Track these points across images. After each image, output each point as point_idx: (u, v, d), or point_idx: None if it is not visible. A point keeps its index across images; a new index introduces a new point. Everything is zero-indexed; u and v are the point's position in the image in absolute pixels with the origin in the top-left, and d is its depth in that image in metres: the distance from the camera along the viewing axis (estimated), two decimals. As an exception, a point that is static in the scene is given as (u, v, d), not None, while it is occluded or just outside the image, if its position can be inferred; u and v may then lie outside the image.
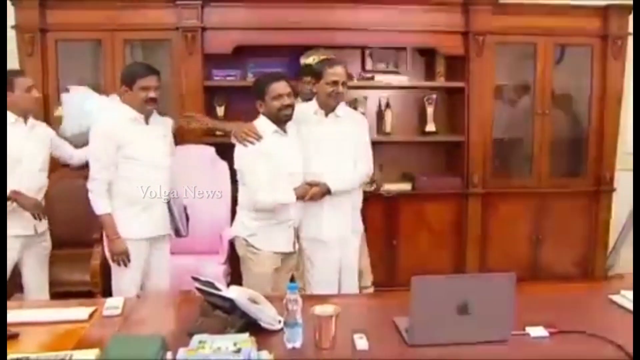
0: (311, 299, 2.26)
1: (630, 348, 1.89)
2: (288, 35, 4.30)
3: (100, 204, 3.05)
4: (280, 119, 3.01)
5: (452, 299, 1.93)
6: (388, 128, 4.60)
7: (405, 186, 4.55)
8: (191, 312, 2.19)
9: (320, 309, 1.98)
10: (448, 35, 4.42)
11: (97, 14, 4.14)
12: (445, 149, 4.76)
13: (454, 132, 4.64)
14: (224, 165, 4.14)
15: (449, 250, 4.59)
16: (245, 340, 1.83)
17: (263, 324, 2.07)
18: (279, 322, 2.07)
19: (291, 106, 3.01)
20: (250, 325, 2.04)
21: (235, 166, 3.08)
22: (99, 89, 4.07)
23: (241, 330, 1.99)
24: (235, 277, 3.79)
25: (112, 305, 2.34)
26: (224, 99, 4.48)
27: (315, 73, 3.24)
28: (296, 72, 4.05)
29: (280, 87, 2.99)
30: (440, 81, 4.61)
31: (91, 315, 2.25)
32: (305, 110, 3.22)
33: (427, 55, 4.65)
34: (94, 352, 1.85)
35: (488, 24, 4.38)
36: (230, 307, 2.07)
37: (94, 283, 3.76)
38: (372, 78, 4.54)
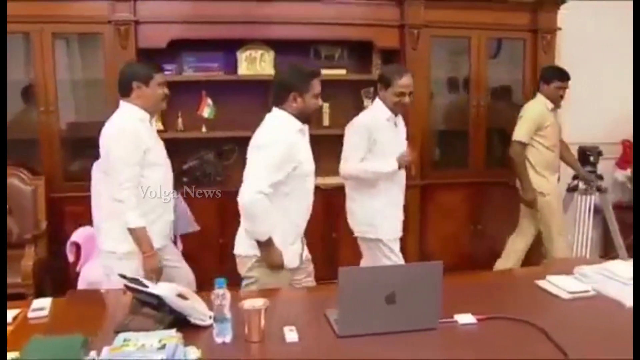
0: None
1: (553, 331, 1.95)
2: (225, 29, 4.26)
3: (134, 217, 2.76)
4: (309, 119, 2.83)
5: (380, 289, 1.95)
6: (326, 121, 4.61)
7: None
8: (121, 311, 2.15)
9: (249, 303, 1.97)
10: (384, 29, 4.46)
11: (25, 5, 3.96)
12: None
13: (392, 125, 4.67)
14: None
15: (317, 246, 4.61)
16: (171, 336, 1.81)
17: (193, 320, 2.05)
18: (210, 317, 2.05)
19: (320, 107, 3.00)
20: (181, 322, 2.02)
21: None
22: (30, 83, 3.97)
23: (170, 326, 1.96)
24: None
25: (38, 306, 2.28)
26: (160, 94, 4.39)
27: (385, 80, 3.33)
28: (232, 66, 4.02)
29: (320, 84, 2.78)
30: (377, 74, 4.62)
31: (15, 318, 2.18)
32: (378, 117, 3.31)
33: (364, 48, 4.66)
34: (11, 356, 1.79)
35: (423, 17, 4.44)
36: (159, 303, 2.04)
37: (26, 285, 3.67)
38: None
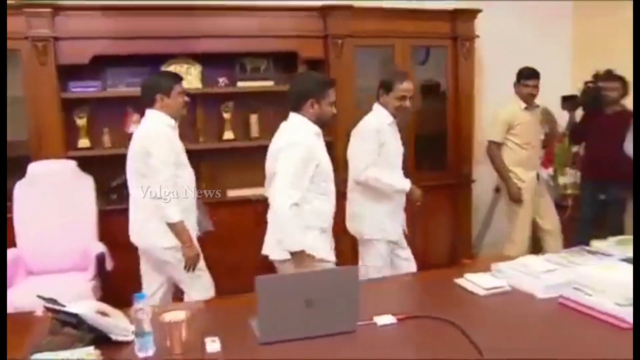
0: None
1: (469, 326, 2.02)
2: (149, 44, 4.24)
3: (174, 212, 3.08)
4: (323, 125, 3.01)
5: (298, 294, 1.98)
6: (254, 133, 4.63)
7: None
8: (41, 332, 2.11)
9: (170, 315, 1.97)
10: (309, 40, 4.53)
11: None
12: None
13: (321, 134, 4.74)
14: (88, 179, 4.03)
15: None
16: (89, 353, 1.80)
17: (114, 337, 2.03)
18: (132, 332, 2.04)
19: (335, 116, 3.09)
20: (102, 339, 2.00)
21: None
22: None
23: (91, 344, 1.94)
24: (107, 292, 3.71)
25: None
26: (85, 111, 4.33)
27: (386, 85, 3.49)
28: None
29: (335, 93, 2.99)
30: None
31: None
32: (382, 121, 3.47)
33: (289, 59, 4.70)
34: None
35: (346, 27, 4.53)
36: (78, 322, 2.01)
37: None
38: (235, 84, 4.56)
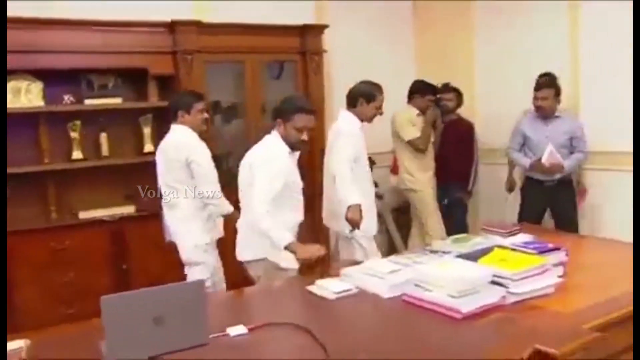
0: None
1: (318, 329, 2.09)
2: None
3: (227, 205, 3.74)
4: (292, 147, 3.17)
5: (146, 312, 1.95)
6: (105, 151, 4.49)
7: (129, 208, 4.48)
8: None
9: (10, 345, 1.88)
10: (158, 56, 4.48)
11: None
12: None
13: (173, 150, 4.68)
14: None
15: (181, 268, 4.59)
16: None
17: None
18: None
19: (307, 142, 3.21)
20: None
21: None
22: None
23: None
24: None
25: None
26: None
27: (368, 95, 3.85)
28: None
29: (307, 119, 3.11)
30: (154, 101, 4.63)
31: None
32: (356, 126, 3.83)
33: (139, 76, 4.61)
34: None
35: (195, 43, 4.52)
36: None
37: None
38: (82, 102, 4.40)
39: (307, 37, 4.99)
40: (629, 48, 4.53)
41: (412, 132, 4.79)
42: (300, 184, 3.26)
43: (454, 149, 4.99)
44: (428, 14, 6.12)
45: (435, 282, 2.28)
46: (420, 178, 4.87)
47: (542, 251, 2.55)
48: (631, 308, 2.17)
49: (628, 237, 3.39)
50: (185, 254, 3.74)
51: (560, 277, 2.52)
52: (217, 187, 3.62)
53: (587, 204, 4.73)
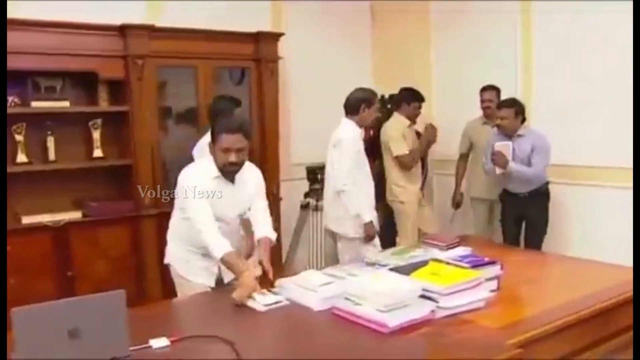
0: None
1: (242, 342, 2.05)
2: None
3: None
4: (224, 174, 2.93)
5: (61, 325, 1.89)
6: (52, 156, 4.38)
7: (76, 214, 4.39)
8: None
9: None
10: (108, 59, 4.38)
11: None
12: (115, 173, 4.65)
13: (122, 156, 4.60)
14: None
15: (129, 275, 4.53)
16: None
17: None
18: None
19: (238, 164, 2.90)
20: None
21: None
22: None
23: None
24: None
25: None
26: None
27: (369, 101, 4.02)
28: None
29: (231, 140, 2.83)
30: (104, 106, 4.54)
31: None
32: (358, 132, 4.00)
33: (89, 79, 4.51)
34: None
35: (147, 47, 4.44)
36: None
37: None
38: (29, 104, 4.29)
39: (262, 44, 4.95)
40: (582, 54, 4.62)
41: (402, 147, 4.77)
42: (229, 213, 3.00)
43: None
44: (386, 20, 6.14)
45: (364, 296, 2.27)
46: (409, 189, 4.87)
47: (476, 265, 2.55)
48: (558, 322, 2.19)
49: (588, 251, 3.48)
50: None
51: (493, 291, 2.52)
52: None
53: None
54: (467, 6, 5.47)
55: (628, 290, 2.52)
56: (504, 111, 4.40)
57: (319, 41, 5.74)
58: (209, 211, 2.83)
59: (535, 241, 4.44)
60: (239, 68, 5.11)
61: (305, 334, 2.23)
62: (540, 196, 4.46)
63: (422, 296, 2.30)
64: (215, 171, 2.91)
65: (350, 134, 3.97)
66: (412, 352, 2.03)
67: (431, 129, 4.96)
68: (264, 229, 3.05)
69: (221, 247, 2.75)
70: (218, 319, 2.44)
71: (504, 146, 4.36)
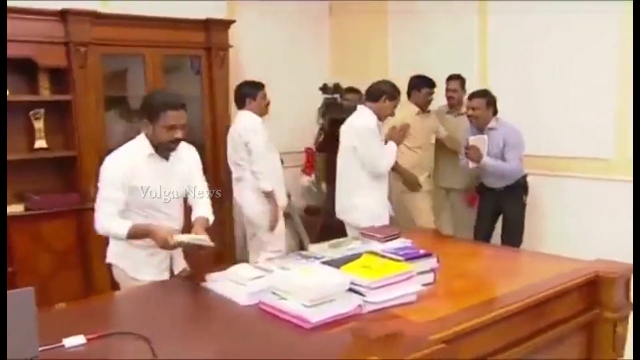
0: None
1: (160, 340, 1.97)
2: None
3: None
4: (164, 149, 2.86)
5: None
6: (-10, 146, 4.24)
7: (17, 207, 4.25)
8: None
9: None
10: (48, 46, 4.25)
11: None
12: (59, 164, 4.53)
13: (66, 147, 4.48)
14: None
15: (75, 269, 4.43)
16: None
17: None
18: None
19: (181, 140, 2.86)
20: None
21: None
22: None
23: None
24: None
25: None
26: None
27: (392, 94, 4.04)
28: None
29: (177, 116, 2.78)
30: (46, 95, 4.40)
31: None
32: (374, 121, 3.98)
33: (29, 67, 4.37)
34: None
35: (89, 34, 4.32)
36: None
37: None
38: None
39: (212, 31, 4.86)
40: (540, 49, 4.61)
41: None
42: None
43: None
44: (344, 12, 6.07)
45: (290, 290, 2.20)
46: (420, 178, 4.80)
47: (411, 257, 2.49)
48: (485, 317, 2.14)
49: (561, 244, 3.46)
50: (255, 220, 4.35)
51: (428, 284, 2.47)
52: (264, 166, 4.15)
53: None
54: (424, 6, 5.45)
55: (563, 282, 2.49)
56: (475, 101, 4.35)
57: (275, 31, 5.66)
58: (115, 201, 2.77)
59: (514, 242, 4.37)
60: (190, 56, 5.00)
61: (227, 330, 2.15)
62: (517, 189, 4.43)
63: (351, 290, 2.23)
64: (149, 149, 2.84)
65: (368, 122, 3.97)
66: (332, 348, 1.96)
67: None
68: (201, 209, 3.00)
69: (123, 224, 2.75)
70: (143, 314, 2.35)
71: (478, 140, 4.31)
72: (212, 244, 2.68)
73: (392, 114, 4.13)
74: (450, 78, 4.88)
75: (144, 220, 2.82)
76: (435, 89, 4.84)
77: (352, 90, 5.36)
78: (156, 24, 4.62)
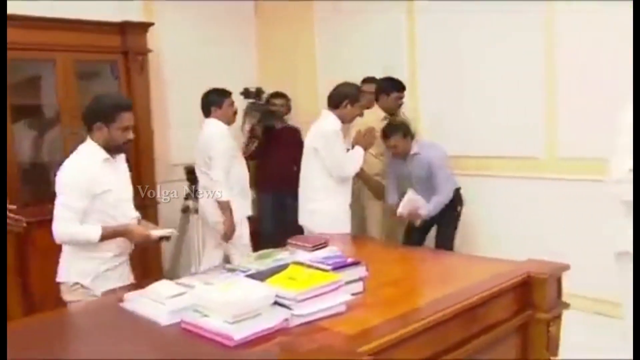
0: None
1: None
2: None
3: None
4: (117, 151, 2.95)
5: None
6: None
7: None
8: None
9: None
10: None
11: None
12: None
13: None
14: None
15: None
16: None
17: None
18: None
19: (131, 141, 2.97)
20: None
21: None
22: None
23: None
24: None
25: None
26: None
27: (354, 97, 3.99)
28: None
29: (130, 117, 2.90)
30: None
31: None
32: (339, 126, 3.95)
33: None
34: None
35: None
36: None
37: None
38: None
39: (129, 35, 4.64)
40: (468, 48, 4.62)
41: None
42: (127, 193, 3.06)
43: (286, 155, 4.81)
44: (270, 13, 5.96)
45: (212, 307, 2.05)
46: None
47: (339, 267, 2.39)
48: (417, 325, 2.05)
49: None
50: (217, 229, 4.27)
51: (357, 294, 2.37)
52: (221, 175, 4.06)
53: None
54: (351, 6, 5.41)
55: (495, 285, 2.44)
56: (392, 140, 4.30)
57: (197, 33, 5.48)
58: (76, 209, 2.79)
59: (445, 245, 4.35)
60: (106, 62, 4.75)
61: (148, 352, 1.99)
62: (452, 202, 4.37)
63: (277, 303, 2.11)
64: (103, 154, 2.89)
65: (332, 126, 3.92)
66: (256, 367, 1.84)
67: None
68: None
69: (92, 227, 2.80)
70: (65, 338, 2.16)
71: (408, 202, 4.22)
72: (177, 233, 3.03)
73: (361, 115, 4.11)
74: (365, 81, 4.81)
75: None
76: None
77: (278, 95, 5.26)
78: (67, 26, 4.36)
